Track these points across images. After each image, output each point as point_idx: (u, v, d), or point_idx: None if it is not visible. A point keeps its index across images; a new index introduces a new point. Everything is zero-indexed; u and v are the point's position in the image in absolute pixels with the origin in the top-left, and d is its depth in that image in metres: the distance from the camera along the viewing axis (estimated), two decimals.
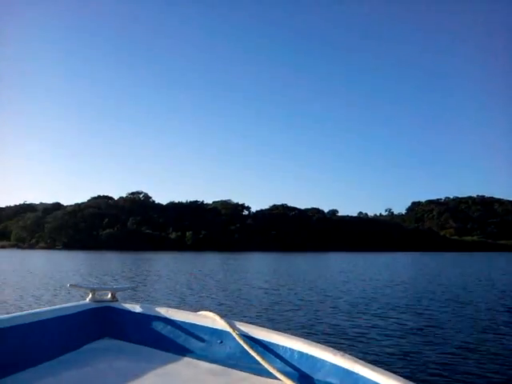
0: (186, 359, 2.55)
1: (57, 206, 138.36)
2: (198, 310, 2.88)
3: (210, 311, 2.77)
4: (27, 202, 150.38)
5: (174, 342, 2.71)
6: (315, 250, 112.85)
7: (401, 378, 1.71)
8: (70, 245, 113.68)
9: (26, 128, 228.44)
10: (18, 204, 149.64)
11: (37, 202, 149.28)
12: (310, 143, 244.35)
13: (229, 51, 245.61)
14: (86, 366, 2.44)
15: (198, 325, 2.68)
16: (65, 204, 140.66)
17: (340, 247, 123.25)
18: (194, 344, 2.65)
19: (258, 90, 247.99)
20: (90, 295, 3.01)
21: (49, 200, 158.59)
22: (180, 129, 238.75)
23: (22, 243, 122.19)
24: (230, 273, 31.47)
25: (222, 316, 2.63)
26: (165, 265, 43.86)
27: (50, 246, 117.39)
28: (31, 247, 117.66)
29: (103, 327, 2.95)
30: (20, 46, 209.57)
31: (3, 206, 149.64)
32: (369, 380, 1.79)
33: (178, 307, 3.15)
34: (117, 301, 3.06)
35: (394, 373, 1.75)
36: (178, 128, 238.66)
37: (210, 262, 49.59)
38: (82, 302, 3.00)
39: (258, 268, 40.53)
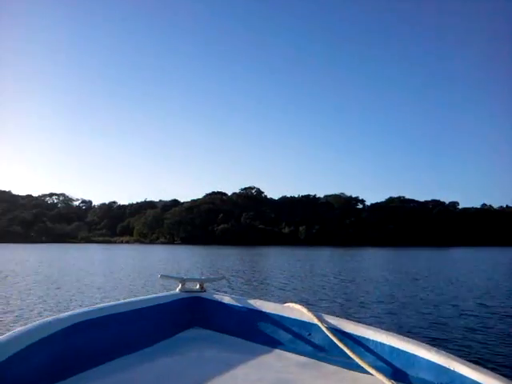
0: (276, 351, 2.55)
1: (175, 203, 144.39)
2: (285, 302, 2.83)
3: (297, 303, 2.72)
4: (148, 200, 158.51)
5: (263, 333, 2.72)
6: (436, 244, 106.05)
7: (504, 378, 1.64)
8: (188, 240, 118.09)
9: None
10: (139, 201, 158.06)
11: (156, 200, 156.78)
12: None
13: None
14: (178, 355, 2.49)
15: (285, 317, 2.66)
16: (182, 201, 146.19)
17: (463, 242, 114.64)
18: (282, 336, 2.65)
19: None
20: (180, 285, 3.13)
21: (167, 197, 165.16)
22: (289, 124, 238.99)
23: (144, 238, 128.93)
24: (347, 270, 28.84)
25: (309, 308, 2.60)
26: (281, 260, 42.92)
27: (170, 241, 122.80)
28: (152, 242, 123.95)
29: (192, 317, 3.03)
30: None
31: (127, 203, 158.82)
32: (467, 378, 1.72)
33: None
34: (205, 291, 3.14)
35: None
36: (287, 123, 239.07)
37: (324, 258, 47.73)
38: (172, 292, 3.10)
39: (380, 264, 37.29)
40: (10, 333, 1.98)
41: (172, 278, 3.24)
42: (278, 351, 2.53)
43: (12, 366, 1.82)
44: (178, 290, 3.10)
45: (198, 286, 3.16)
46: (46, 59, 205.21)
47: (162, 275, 3.25)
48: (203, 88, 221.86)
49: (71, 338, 2.26)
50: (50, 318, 2.27)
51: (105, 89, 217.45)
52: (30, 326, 2.11)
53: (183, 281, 3.13)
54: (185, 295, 3.06)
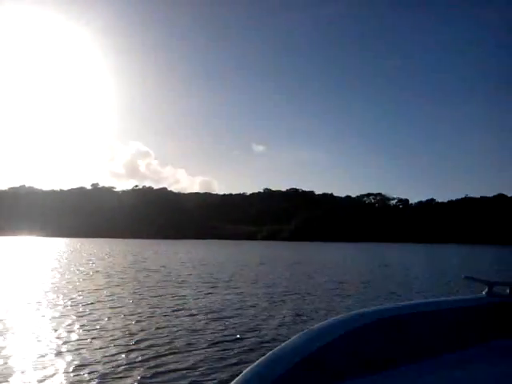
0: None
1: None
2: None
3: None
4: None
5: None
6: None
7: None
8: None
9: None
10: None
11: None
12: None
13: None
14: (478, 368, 2.26)
15: None
16: None
17: None
18: None
19: None
20: (487, 289, 2.86)
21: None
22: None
23: None
24: None
25: None
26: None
27: None
28: None
29: (499, 325, 2.71)
30: None
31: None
32: None
33: None
34: None
35: None
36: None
37: None
38: (478, 296, 2.86)
39: None
40: (329, 320, 2.13)
41: (477, 280, 2.99)
42: None
43: (327, 352, 1.93)
44: (484, 293, 2.87)
45: (507, 291, 2.88)
46: None
47: (465, 276, 3.12)
48: None
49: (372, 333, 2.21)
50: (358, 311, 2.29)
51: None
52: (342, 316, 2.20)
53: (490, 284, 2.85)
54: (492, 300, 2.74)
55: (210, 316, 13.31)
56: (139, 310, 14.37)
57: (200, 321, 12.60)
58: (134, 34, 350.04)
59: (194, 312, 14.00)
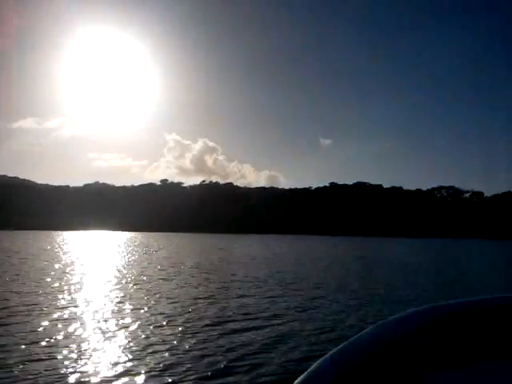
0: None
1: None
2: None
3: None
4: None
5: None
6: None
7: None
8: None
9: None
10: None
11: None
12: None
13: None
14: None
15: None
16: None
17: None
18: None
19: None
20: None
21: None
22: None
23: None
24: None
25: None
26: None
27: None
28: None
29: None
30: None
31: None
32: None
33: None
34: None
35: None
36: None
37: None
38: None
39: None
40: (409, 310, 2.09)
41: None
42: None
43: (406, 343, 1.88)
44: None
45: None
46: None
47: None
48: None
49: (450, 326, 2.15)
50: (437, 304, 2.24)
51: None
52: (420, 307, 2.14)
53: None
54: None
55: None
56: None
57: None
58: (198, 33, 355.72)
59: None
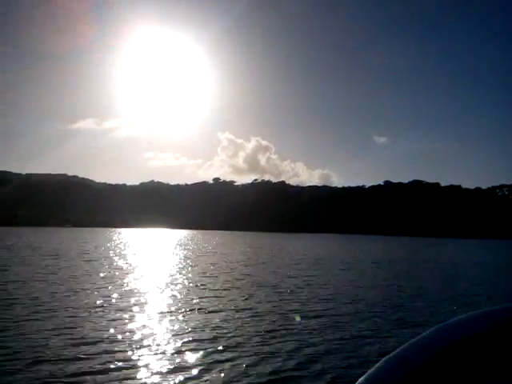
0: None
1: None
2: None
3: None
4: None
5: None
6: None
7: None
8: None
9: None
10: None
11: None
12: None
13: None
14: None
15: None
16: None
17: None
18: None
19: None
20: None
21: None
22: None
23: None
24: None
25: None
26: None
27: None
28: None
29: None
30: None
31: None
32: None
33: None
34: None
35: None
36: None
37: None
38: None
39: None
40: (472, 312, 1.94)
41: None
42: None
43: (471, 346, 1.77)
44: None
45: None
46: None
47: None
48: None
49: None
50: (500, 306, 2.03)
51: None
52: (490, 308, 1.98)
53: None
54: None
55: None
56: None
57: None
58: (252, 34, 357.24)
59: None
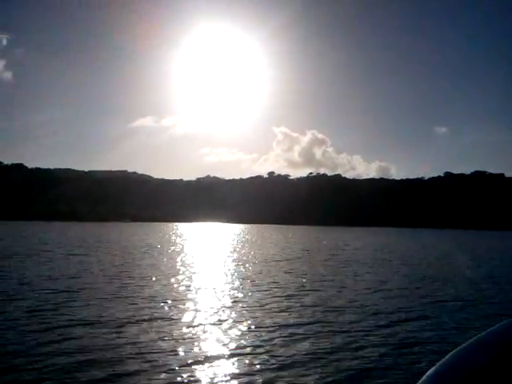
0: None
1: None
2: None
3: None
4: None
5: None
6: None
7: None
8: None
9: None
10: None
11: None
12: None
13: None
14: None
15: None
16: None
17: None
18: None
19: None
20: None
21: None
22: None
23: None
24: None
25: None
26: None
27: None
28: None
29: None
30: None
31: None
32: None
33: None
34: None
35: None
36: None
37: None
38: None
39: None
40: None
41: None
42: None
43: None
44: None
45: None
46: None
47: None
48: None
49: None
50: None
51: None
52: None
53: None
54: None
55: None
56: None
57: None
58: (308, 28, 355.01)
59: None
